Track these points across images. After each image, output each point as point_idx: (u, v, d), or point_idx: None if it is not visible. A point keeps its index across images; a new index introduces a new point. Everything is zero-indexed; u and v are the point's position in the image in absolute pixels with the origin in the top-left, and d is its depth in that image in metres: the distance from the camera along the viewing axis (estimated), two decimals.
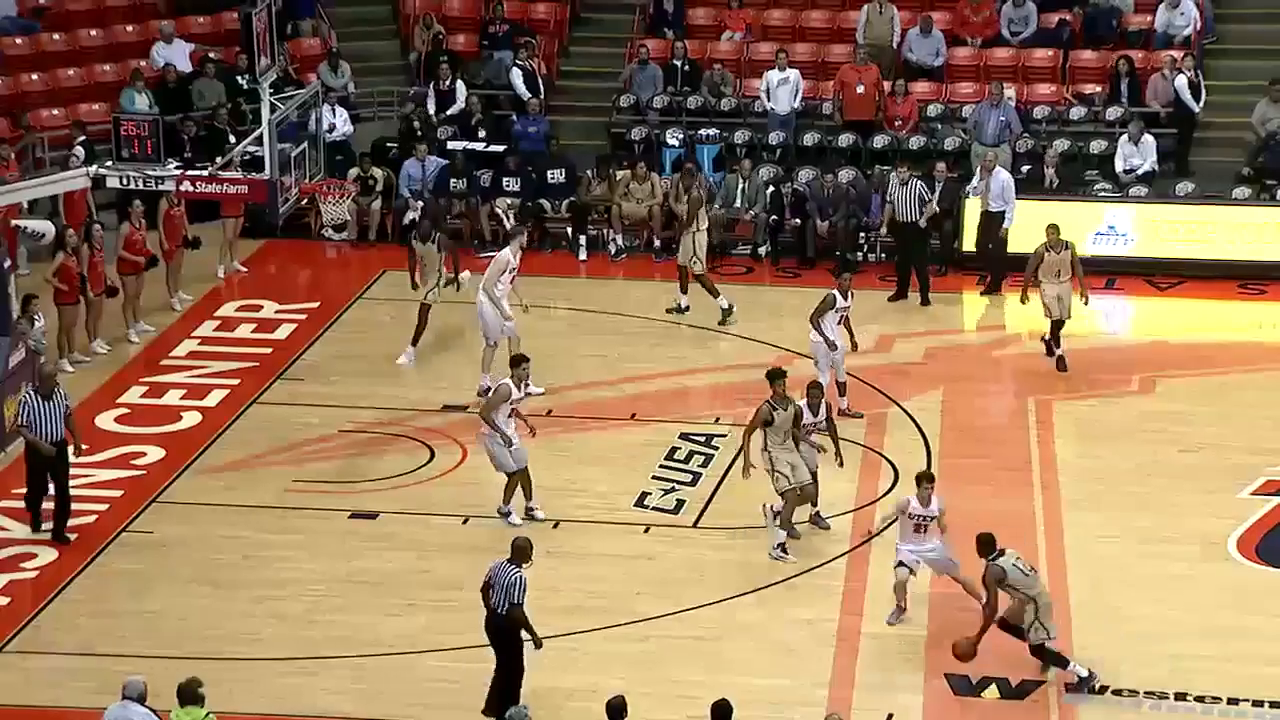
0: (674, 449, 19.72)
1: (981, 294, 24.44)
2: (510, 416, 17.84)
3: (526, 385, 18.19)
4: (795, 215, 25.40)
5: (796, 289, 24.62)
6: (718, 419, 20.40)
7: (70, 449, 17.81)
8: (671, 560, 17.49)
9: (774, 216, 25.51)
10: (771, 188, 25.75)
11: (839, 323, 20.36)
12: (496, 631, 14.77)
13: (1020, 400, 21.17)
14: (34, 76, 27.24)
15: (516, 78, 27.90)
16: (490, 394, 18.13)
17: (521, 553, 14.75)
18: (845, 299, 20.42)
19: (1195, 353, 22.73)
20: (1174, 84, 26.46)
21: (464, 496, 18.73)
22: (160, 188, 20.36)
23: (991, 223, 24.44)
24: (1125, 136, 25.91)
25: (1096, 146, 26.39)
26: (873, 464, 19.49)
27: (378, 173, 26.28)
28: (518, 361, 18.12)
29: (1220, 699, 15.33)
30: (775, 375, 17.78)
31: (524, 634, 14.64)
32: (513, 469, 17.92)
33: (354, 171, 25.92)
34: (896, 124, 27.00)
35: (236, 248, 25.07)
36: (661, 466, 19.32)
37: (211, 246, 24.54)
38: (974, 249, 24.77)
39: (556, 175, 26.25)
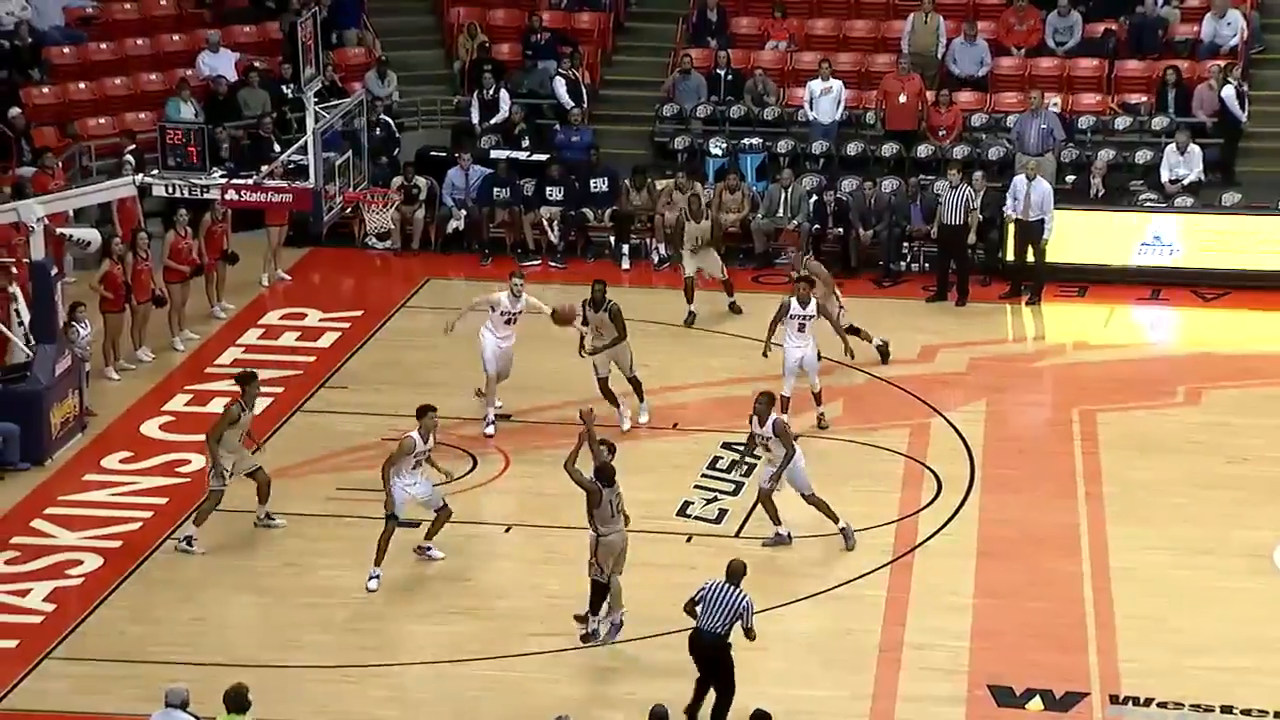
0: (716, 458, 19.69)
1: (1025, 304, 24.34)
2: (417, 468, 17.35)
3: (435, 434, 17.56)
4: (838, 224, 25.36)
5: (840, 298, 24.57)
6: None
7: None
8: (713, 570, 17.35)
9: (816, 225, 25.47)
10: (814, 197, 25.70)
11: (799, 330, 20.25)
12: (706, 651, 14.62)
13: (1064, 411, 21.07)
14: (81, 85, 27.38)
15: (560, 87, 27.92)
16: (396, 447, 17.44)
17: (739, 574, 14.69)
18: (802, 306, 20.28)
19: (1241, 364, 22.59)
20: (1221, 94, 26.31)
21: (507, 505, 18.75)
22: (205, 196, 20.41)
23: (1031, 233, 24.35)
24: (1171, 146, 25.79)
25: (1142, 156, 26.26)
26: (915, 474, 19.43)
27: (421, 181, 26.34)
28: (424, 412, 17.45)
29: (1267, 712, 15.22)
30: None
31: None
32: (415, 523, 17.46)
33: (398, 180, 25.98)
34: (940, 134, 26.93)
35: (280, 256, 25.15)
36: (704, 476, 19.30)
37: (255, 255, 24.62)
38: (1014, 259, 24.68)
39: (599, 185, 26.26)
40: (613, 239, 26.09)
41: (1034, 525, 18.34)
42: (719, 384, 21.72)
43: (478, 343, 20.27)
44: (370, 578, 17.05)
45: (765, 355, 20.49)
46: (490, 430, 20.07)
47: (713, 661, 14.61)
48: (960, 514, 18.61)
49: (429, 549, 17.64)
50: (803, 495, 17.78)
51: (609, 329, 20.07)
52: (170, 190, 20.20)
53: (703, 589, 14.83)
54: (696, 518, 18.29)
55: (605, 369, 20.24)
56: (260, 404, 20.84)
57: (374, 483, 18.85)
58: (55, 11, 27.96)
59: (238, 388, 18.26)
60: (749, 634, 14.71)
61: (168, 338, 22.66)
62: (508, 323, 20.21)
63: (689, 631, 14.84)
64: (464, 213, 26.19)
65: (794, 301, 20.32)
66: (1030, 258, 24.50)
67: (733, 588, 14.73)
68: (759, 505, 17.90)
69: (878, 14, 29.10)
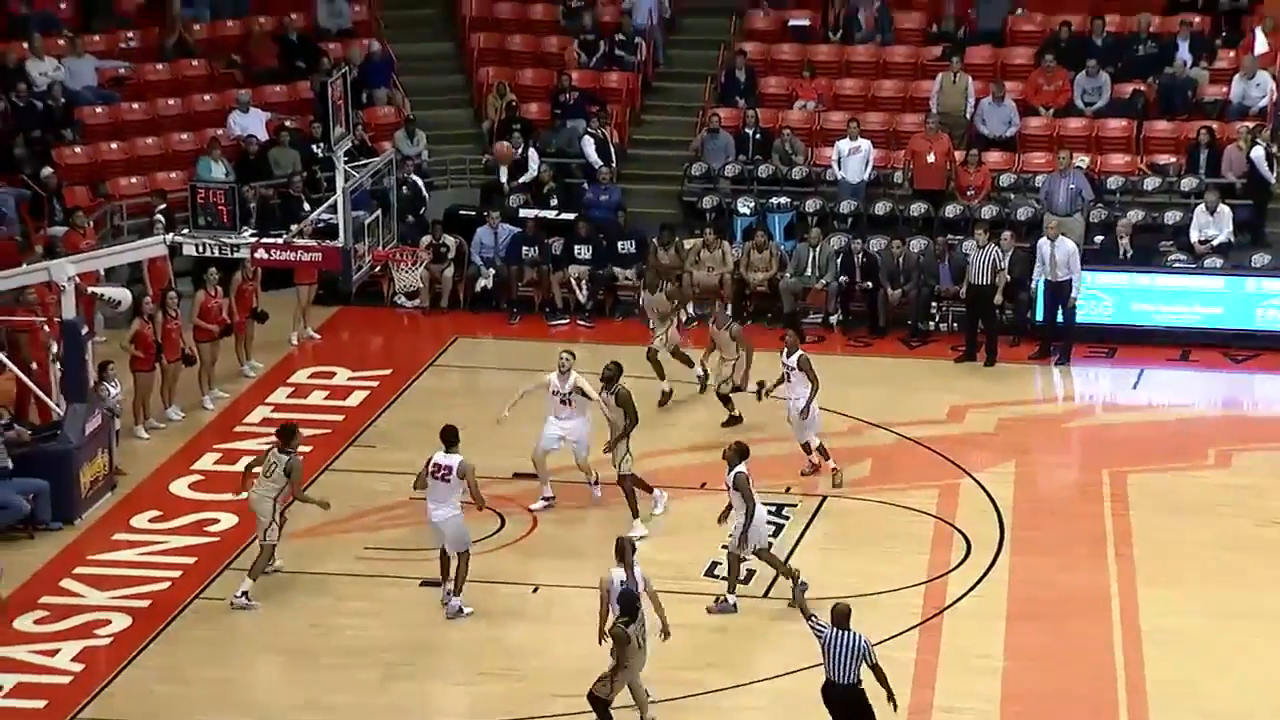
0: None
1: (1053, 364, 24.30)
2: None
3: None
4: (866, 278, 25.35)
5: (867, 358, 24.63)
6: (788, 489, 20.33)
7: None
8: (742, 631, 17.41)
9: (844, 278, 25.45)
10: (842, 256, 25.72)
11: (786, 380, 20.45)
12: (845, 704, 14.53)
13: (1094, 472, 21.01)
14: (113, 145, 27.55)
15: (588, 146, 28.03)
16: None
17: (846, 616, 14.59)
18: (787, 356, 20.34)
19: (1272, 426, 22.53)
20: (1250, 155, 26.31)
21: (534, 565, 18.72)
22: (236, 255, 20.50)
23: (1059, 293, 24.33)
24: (1201, 207, 25.78)
25: (1171, 217, 26.25)
26: (944, 535, 19.38)
27: (450, 240, 26.44)
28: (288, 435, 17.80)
29: None
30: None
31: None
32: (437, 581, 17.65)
33: (426, 239, 26.08)
34: (969, 193, 26.95)
35: (310, 315, 25.24)
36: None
37: (285, 314, 24.70)
38: (1044, 319, 24.65)
39: (627, 246, 26.33)
40: (640, 297, 26.10)
41: (1064, 587, 18.26)
42: (750, 442, 21.65)
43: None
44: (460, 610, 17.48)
45: (760, 398, 20.71)
46: (538, 506, 19.72)
47: (853, 712, 14.48)
48: (990, 575, 18.54)
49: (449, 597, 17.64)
50: (754, 551, 17.62)
51: (617, 414, 19.39)
52: (200, 249, 20.30)
53: (821, 638, 14.61)
54: (725, 578, 18.24)
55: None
56: None
57: (402, 542, 18.90)
58: (88, 72, 28.16)
59: (278, 439, 18.22)
60: (877, 671, 14.46)
61: (197, 396, 22.73)
62: (563, 403, 19.62)
63: (822, 685, 14.65)
64: (493, 271, 26.27)
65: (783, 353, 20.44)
66: (1059, 318, 24.48)
67: (847, 632, 14.58)
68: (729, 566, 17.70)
69: (906, 74, 29.17)
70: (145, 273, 23.80)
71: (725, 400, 21.83)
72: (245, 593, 17.83)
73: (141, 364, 21.77)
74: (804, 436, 20.53)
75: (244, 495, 18.30)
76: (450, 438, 17.71)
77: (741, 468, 17.63)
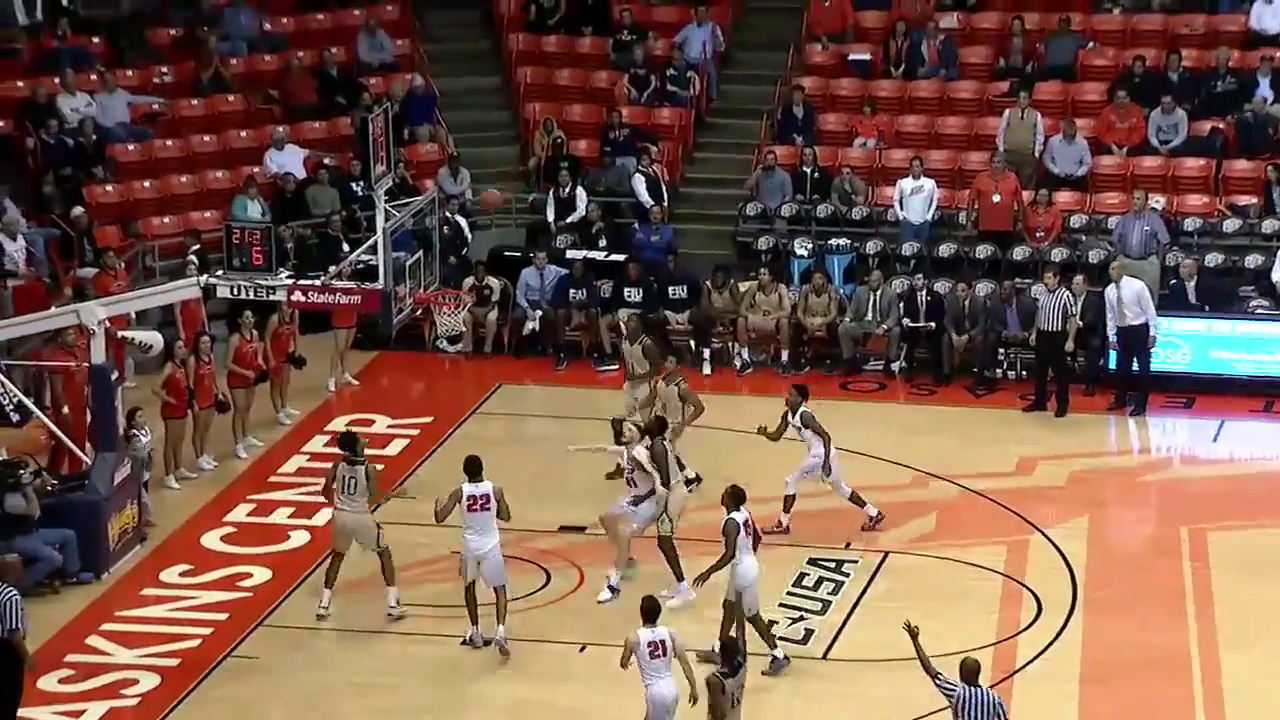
0: (802, 575, 19.51)
1: (1128, 415, 24.06)
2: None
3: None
4: (930, 319, 25.18)
5: (931, 407, 24.47)
6: (848, 544, 20.17)
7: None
8: (799, 694, 17.21)
9: (906, 319, 25.26)
10: (904, 300, 25.57)
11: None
12: None
13: (1171, 528, 20.78)
14: (146, 184, 27.62)
15: (639, 184, 27.98)
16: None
17: (977, 672, 14.39)
18: (792, 416, 20.28)
19: None
20: None
21: (581, 623, 18.56)
22: (271, 297, 20.49)
23: (1132, 338, 24.09)
24: None
25: (1252, 261, 25.99)
26: (1013, 594, 19.19)
27: (494, 282, 26.38)
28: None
29: None
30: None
31: None
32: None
33: (469, 280, 26.04)
34: (1037, 235, 26.77)
35: (348, 359, 25.20)
36: (789, 594, 19.10)
37: (322, 358, 24.67)
38: (1118, 367, 24.42)
39: (679, 290, 26.23)
40: (693, 342, 26.00)
41: (1141, 649, 18.03)
42: (804, 495, 21.51)
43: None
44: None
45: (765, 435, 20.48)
46: (605, 597, 19.13)
47: None
48: (1062, 637, 18.34)
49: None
50: (745, 615, 17.37)
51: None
52: (235, 292, 20.27)
53: (952, 698, 14.30)
54: (781, 638, 18.05)
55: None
56: (328, 513, 20.90)
57: (442, 598, 18.77)
58: (120, 108, 28.25)
59: (342, 449, 18.49)
60: None
61: (230, 445, 22.69)
62: (628, 483, 19.11)
63: None
64: (539, 314, 26.21)
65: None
66: (1134, 365, 24.24)
67: (980, 690, 14.34)
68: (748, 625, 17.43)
69: (971, 110, 29.05)
70: (178, 316, 23.81)
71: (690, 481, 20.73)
72: (397, 600, 18.30)
73: (173, 411, 21.75)
74: (844, 492, 20.30)
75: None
76: (475, 468, 17.95)
77: (734, 514, 17.41)
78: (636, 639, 15.43)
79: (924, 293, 25.45)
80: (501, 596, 17.89)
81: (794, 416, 20.34)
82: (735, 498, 17.60)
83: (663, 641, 15.34)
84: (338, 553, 18.69)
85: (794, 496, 20.37)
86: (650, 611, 15.58)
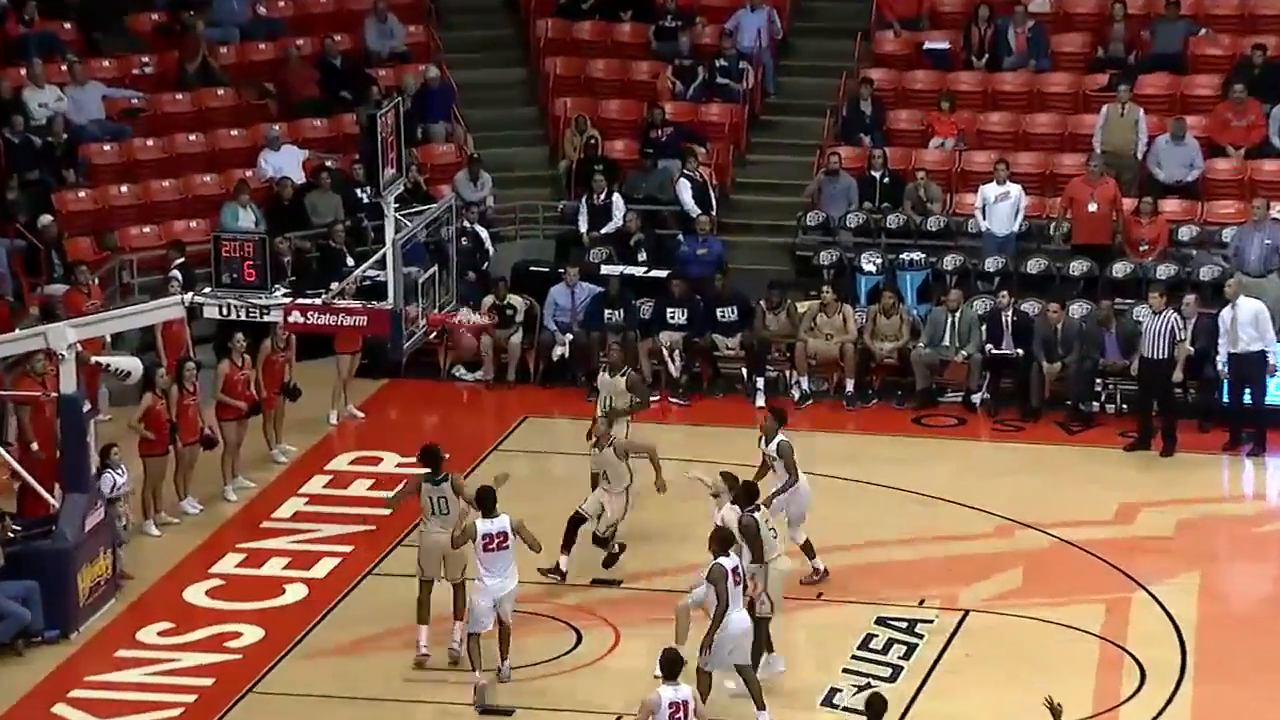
0: (869, 636, 19.49)
1: (1245, 455, 23.97)
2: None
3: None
4: (1017, 344, 25.14)
5: (1018, 445, 24.41)
6: (922, 601, 20.14)
7: None
8: None
9: (989, 345, 25.22)
10: (987, 323, 25.53)
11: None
12: None
13: None
14: (123, 189, 27.74)
15: (684, 190, 28.00)
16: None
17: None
18: (765, 444, 20.19)
19: None
20: None
21: (617, 690, 18.53)
22: (266, 319, 20.54)
23: (1249, 365, 23.99)
24: None
25: None
26: (1112, 660, 19.15)
27: (517, 301, 26.40)
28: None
29: None
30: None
31: None
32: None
33: (489, 300, 26.09)
34: (1140, 249, 26.71)
35: (351, 389, 25.26)
36: (854, 658, 19.08)
37: (322, 388, 24.73)
38: (1231, 399, 24.33)
39: (727, 314, 26.20)
40: (745, 370, 25.98)
41: None
42: (872, 544, 21.48)
43: None
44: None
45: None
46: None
47: None
48: (1168, 710, 18.29)
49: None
50: (734, 666, 17.40)
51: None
52: (224, 312, 20.32)
53: None
54: (845, 709, 18.03)
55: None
56: (329, 563, 20.99)
57: (458, 660, 18.78)
58: (94, 103, 28.39)
59: (423, 464, 18.90)
60: None
61: (218, 485, 22.74)
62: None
63: None
64: (569, 338, 26.24)
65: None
66: (1248, 398, 24.15)
67: None
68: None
69: (1064, 106, 29.01)
70: (159, 339, 23.89)
71: (602, 543, 20.58)
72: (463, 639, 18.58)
73: (153, 447, 21.81)
74: (799, 536, 20.20)
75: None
76: (489, 502, 18.20)
77: (722, 560, 17.41)
78: (658, 699, 15.38)
79: (1009, 314, 25.39)
80: (508, 632, 18.26)
81: (768, 444, 20.19)
82: (723, 541, 17.57)
83: (685, 702, 15.34)
84: (426, 581, 18.90)
85: (808, 541, 20.31)
86: (671, 665, 15.59)
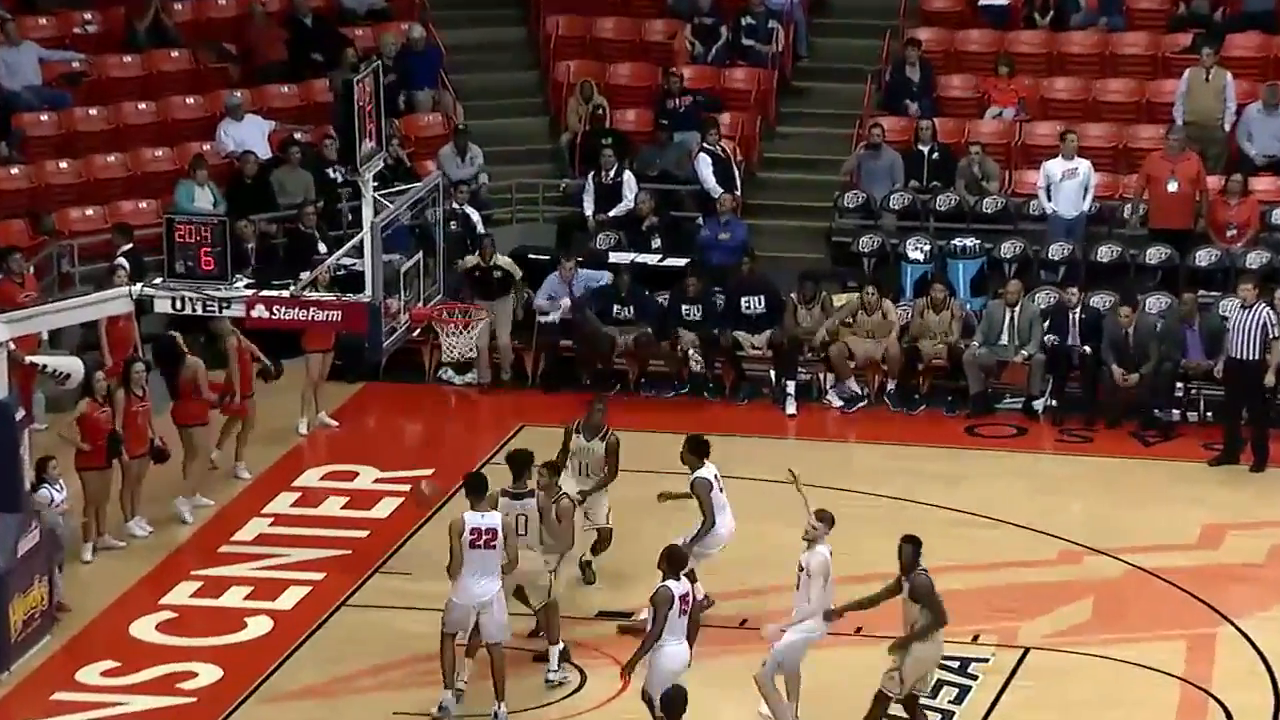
0: None
1: None
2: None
3: None
4: (1085, 342, 25.09)
5: (1086, 458, 24.38)
6: (976, 637, 20.11)
7: None
8: None
9: (1053, 337, 25.10)
10: (1051, 318, 25.49)
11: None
12: None
13: None
14: (63, 165, 27.77)
15: (704, 167, 28.00)
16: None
17: None
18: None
19: None
20: None
21: None
22: (226, 312, 20.54)
23: None
24: None
25: None
26: (1194, 703, 19.12)
27: (506, 262, 26.02)
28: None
29: None
30: None
31: None
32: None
33: (471, 260, 25.73)
34: (1228, 234, 26.71)
35: (323, 394, 25.25)
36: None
37: (291, 392, 24.71)
38: None
39: (753, 304, 26.13)
40: (774, 373, 25.94)
41: None
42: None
43: None
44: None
45: None
46: None
47: None
48: None
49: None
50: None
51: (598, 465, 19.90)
52: (178, 306, 20.34)
53: None
54: None
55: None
56: (297, 593, 20.94)
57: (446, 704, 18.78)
58: (30, 67, 28.40)
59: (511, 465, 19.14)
60: None
61: (172, 504, 22.70)
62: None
63: None
64: (566, 303, 25.98)
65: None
66: None
67: None
68: None
69: (1140, 70, 29.03)
70: (103, 337, 23.87)
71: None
72: (561, 662, 18.96)
73: (90, 459, 21.70)
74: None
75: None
76: (480, 489, 18.36)
77: (669, 583, 17.36)
78: None
79: (1078, 310, 25.26)
80: (500, 661, 18.27)
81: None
82: (674, 563, 17.56)
83: None
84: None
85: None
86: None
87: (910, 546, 18.08)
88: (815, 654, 19.53)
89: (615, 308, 26.31)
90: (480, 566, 18.25)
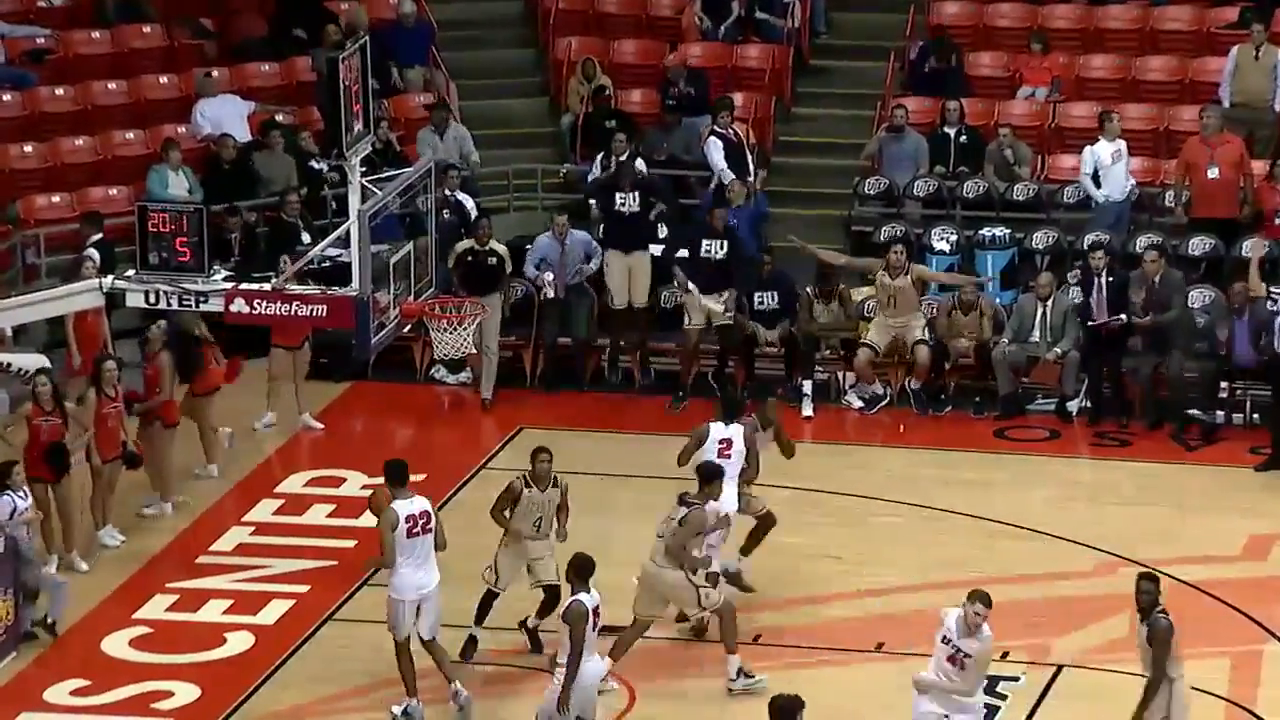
0: None
1: None
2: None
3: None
4: (1114, 349, 25.14)
5: (1124, 463, 24.43)
6: (1006, 654, 20.13)
7: None
8: None
9: (1089, 318, 25.10)
10: (1080, 291, 25.47)
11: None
12: None
13: None
14: (27, 149, 27.83)
15: (714, 151, 28.01)
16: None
17: None
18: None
19: None
20: None
21: None
22: (204, 306, 20.61)
23: None
24: None
25: None
26: None
27: (502, 250, 26.07)
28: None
29: None
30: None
31: None
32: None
33: (464, 245, 25.68)
34: (1277, 222, 26.75)
35: (304, 394, 25.35)
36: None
37: (255, 391, 24.82)
38: None
39: (767, 300, 26.18)
40: (788, 372, 25.98)
41: None
42: (943, 585, 21.53)
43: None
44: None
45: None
46: None
47: None
48: None
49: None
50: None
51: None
52: (152, 299, 20.41)
53: None
54: None
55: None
56: (280, 606, 21.01)
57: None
58: None
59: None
60: None
61: (139, 508, 22.81)
62: (950, 661, 17.61)
63: None
64: (550, 278, 26.03)
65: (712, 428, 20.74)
66: None
67: None
68: None
69: (1183, 47, 29.08)
70: (70, 333, 23.96)
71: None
72: (740, 670, 19.14)
73: (34, 470, 21.31)
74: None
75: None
76: (402, 475, 18.80)
77: (581, 596, 17.45)
78: None
79: (1104, 276, 24.99)
80: (439, 650, 18.74)
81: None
82: (581, 571, 17.60)
83: None
84: (642, 620, 19.26)
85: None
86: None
87: (1151, 584, 17.69)
88: (838, 673, 19.76)
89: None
90: (419, 554, 18.60)
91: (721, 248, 25.82)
